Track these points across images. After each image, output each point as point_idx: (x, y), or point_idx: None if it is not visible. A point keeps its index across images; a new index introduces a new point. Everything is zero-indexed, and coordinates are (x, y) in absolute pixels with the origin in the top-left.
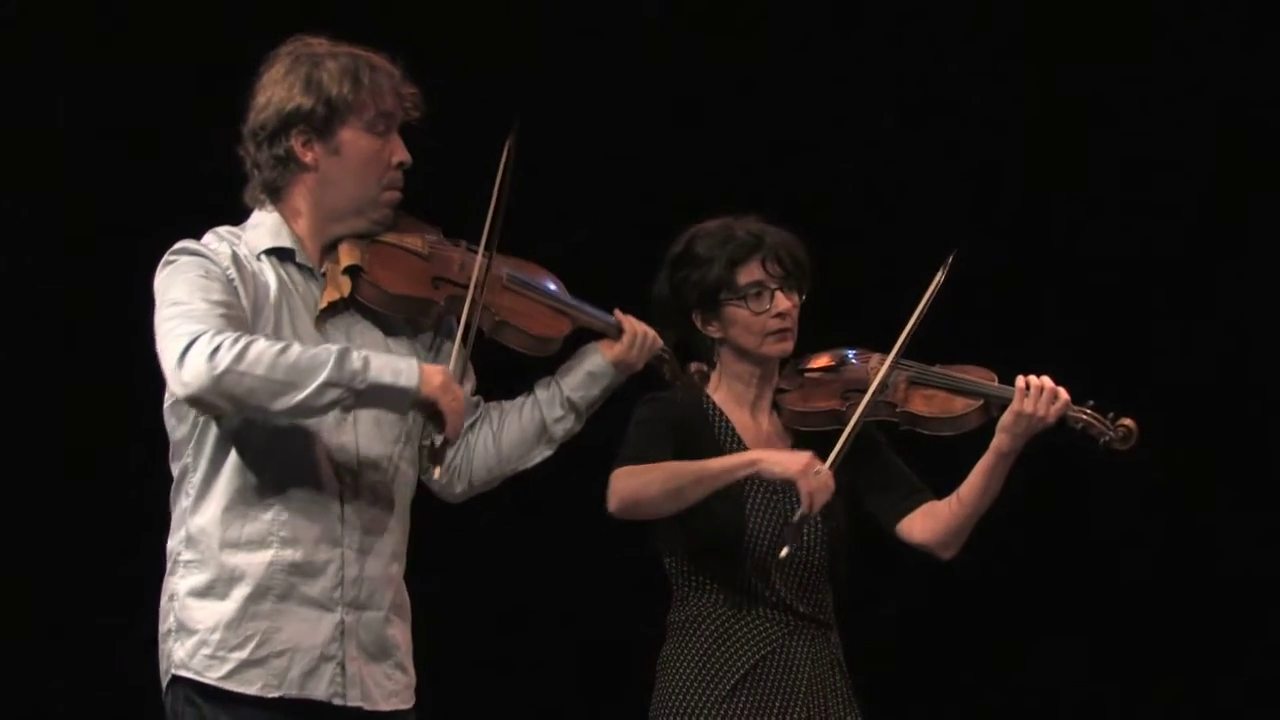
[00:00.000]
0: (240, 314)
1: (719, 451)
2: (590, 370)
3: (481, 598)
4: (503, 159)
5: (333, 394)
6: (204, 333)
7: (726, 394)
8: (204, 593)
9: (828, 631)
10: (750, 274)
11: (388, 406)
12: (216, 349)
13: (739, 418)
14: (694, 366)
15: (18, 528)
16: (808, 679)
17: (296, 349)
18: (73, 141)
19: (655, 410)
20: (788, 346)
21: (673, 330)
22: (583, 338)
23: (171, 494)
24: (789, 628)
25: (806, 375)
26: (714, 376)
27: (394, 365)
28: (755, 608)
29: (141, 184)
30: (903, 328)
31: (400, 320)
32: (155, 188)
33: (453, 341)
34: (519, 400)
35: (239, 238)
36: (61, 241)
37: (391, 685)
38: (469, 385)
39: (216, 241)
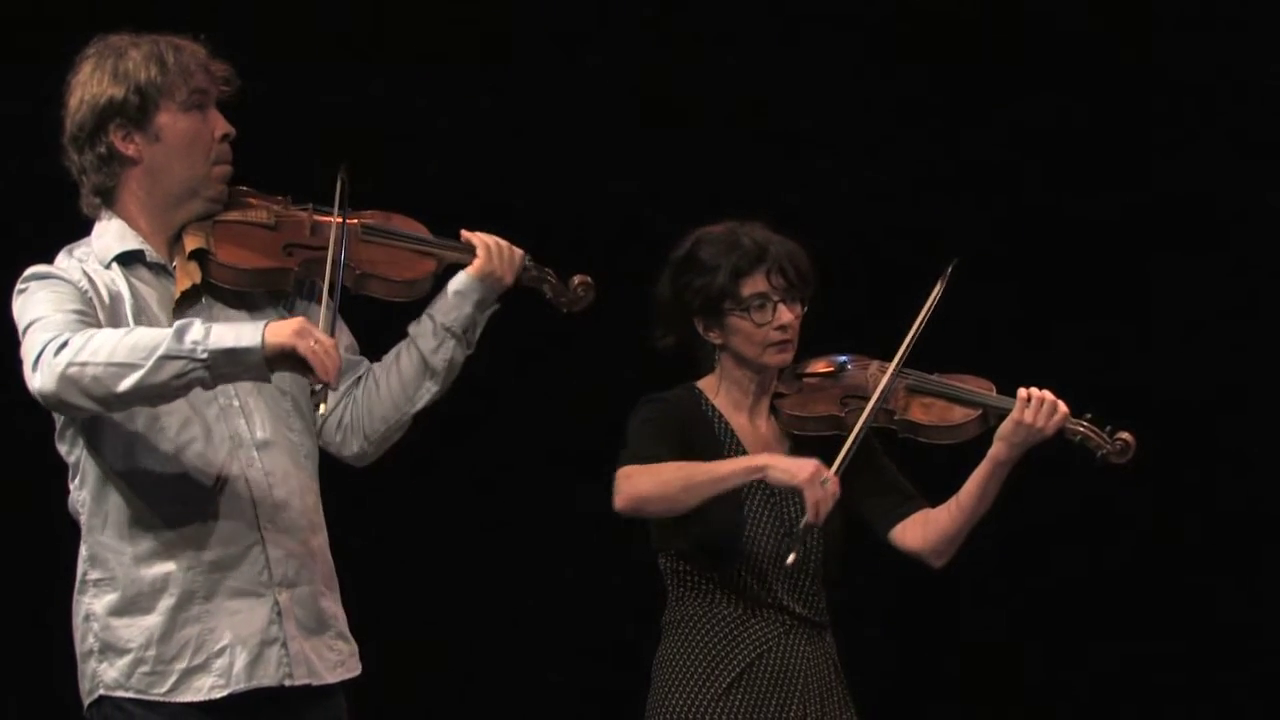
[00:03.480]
0: (95, 320)
1: (719, 452)
2: (456, 290)
3: (476, 596)
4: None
5: (174, 367)
6: (55, 336)
7: (725, 398)
8: (125, 610)
9: (823, 632)
10: (754, 285)
11: (246, 373)
12: (63, 345)
13: (738, 421)
14: (578, 279)
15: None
16: (804, 678)
17: (140, 331)
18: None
19: (657, 410)
20: (788, 357)
21: (674, 331)
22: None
23: (70, 512)
24: (785, 627)
25: (805, 380)
26: (713, 380)
27: (237, 329)
28: (751, 608)
29: None
30: (904, 336)
31: (261, 294)
32: None
33: (320, 305)
34: (395, 348)
35: (89, 252)
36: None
37: (335, 656)
38: (343, 344)
39: (66, 259)
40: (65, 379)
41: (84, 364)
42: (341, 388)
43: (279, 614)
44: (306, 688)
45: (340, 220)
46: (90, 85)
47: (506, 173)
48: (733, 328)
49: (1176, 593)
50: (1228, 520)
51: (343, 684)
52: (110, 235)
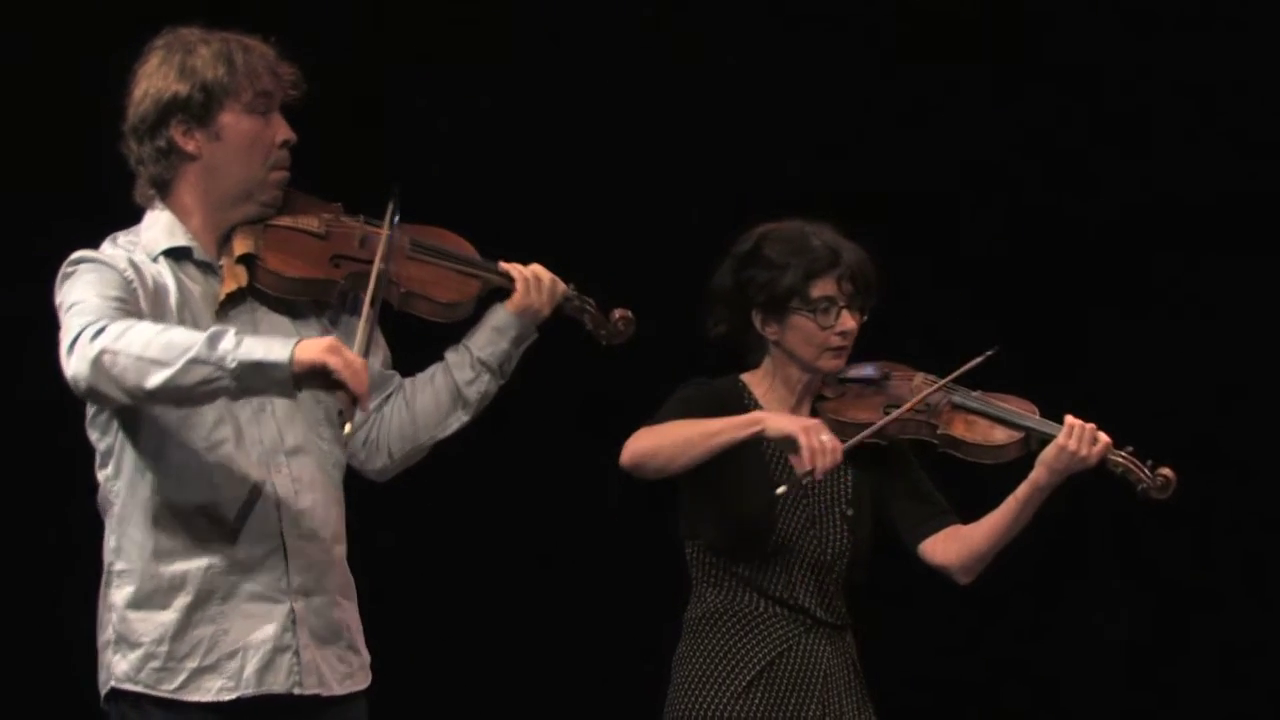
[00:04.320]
0: (136, 309)
1: (754, 445)
2: (495, 325)
3: (499, 593)
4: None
5: (202, 372)
6: (94, 321)
7: (771, 394)
8: (142, 604)
9: (843, 632)
10: (824, 288)
11: (271, 389)
12: (100, 331)
13: None
14: (619, 313)
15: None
16: (823, 677)
17: (177, 330)
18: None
19: (697, 392)
20: (840, 364)
21: (728, 322)
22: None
23: (99, 503)
24: (804, 627)
25: (849, 385)
26: (760, 375)
27: (268, 343)
28: (772, 606)
29: None
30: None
31: (305, 303)
32: None
33: (361, 319)
34: (431, 369)
35: (135, 242)
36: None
37: (345, 668)
38: (379, 358)
39: (112, 248)
40: (98, 365)
41: (117, 353)
42: (371, 404)
43: (293, 622)
44: (316, 697)
45: (387, 234)
46: (156, 78)
47: (507, 173)
48: (793, 325)
49: (1179, 600)
50: (1231, 529)
51: (363, 694)
52: (159, 228)
